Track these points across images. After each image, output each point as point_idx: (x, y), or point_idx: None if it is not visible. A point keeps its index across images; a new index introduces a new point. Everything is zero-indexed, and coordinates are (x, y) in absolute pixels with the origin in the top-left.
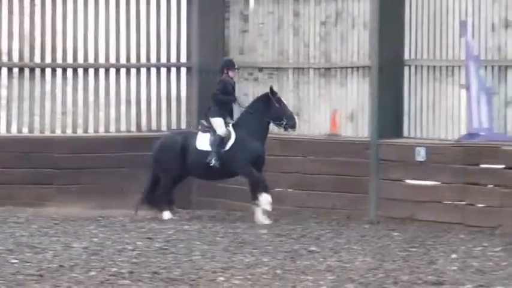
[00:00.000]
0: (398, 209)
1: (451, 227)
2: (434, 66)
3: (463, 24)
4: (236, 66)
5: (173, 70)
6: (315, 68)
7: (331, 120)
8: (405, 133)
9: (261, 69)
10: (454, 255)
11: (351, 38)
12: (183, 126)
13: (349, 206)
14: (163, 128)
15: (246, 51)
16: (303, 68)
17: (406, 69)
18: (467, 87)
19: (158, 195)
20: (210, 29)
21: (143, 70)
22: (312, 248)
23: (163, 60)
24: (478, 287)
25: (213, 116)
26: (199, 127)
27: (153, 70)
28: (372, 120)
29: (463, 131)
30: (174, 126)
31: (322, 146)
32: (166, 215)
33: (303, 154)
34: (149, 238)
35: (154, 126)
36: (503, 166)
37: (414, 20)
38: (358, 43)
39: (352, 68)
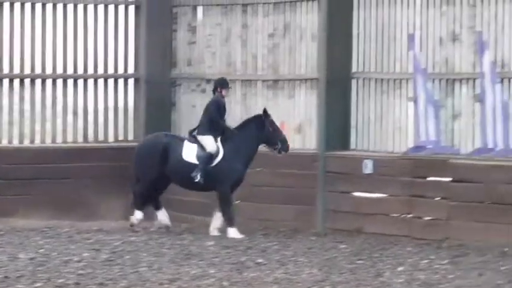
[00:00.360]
0: (346, 221)
1: (398, 240)
2: (382, 79)
3: (410, 38)
4: (230, 86)
5: (120, 81)
6: (262, 80)
7: None
8: (352, 145)
9: (208, 81)
10: (400, 268)
11: (299, 50)
12: (130, 137)
13: (296, 218)
14: (111, 139)
15: (194, 63)
16: (251, 80)
17: (353, 82)
18: (415, 100)
19: (134, 196)
20: (157, 40)
21: (90, 81)
22: (259, 260)
23: (111, 71)
24: None
25: (203, 134)
26: (188, 136)
27: (101, 81)
28: (320, 133)
29: (411, 144)
30: (121, 137)
31: (270, 158)
32: (138, 214)
33: (251, 166)
34: (95, 249)
35: (101, 137)
36: (450, 179)
37: (362, 33)
38: (306, 55)
39: (300, 80)
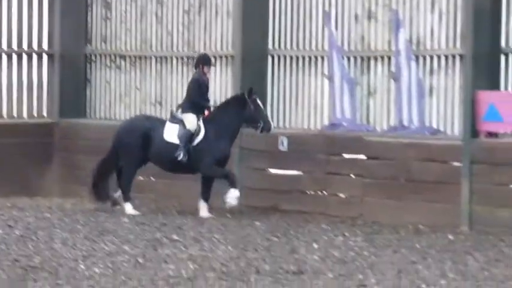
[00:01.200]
0: (261, 198)
1: (313, 217)
2: (297, 56)
3: (326, 15)
4: (212, 63)
5: (35, 57)
6: (178, 57)
7: None
8: None
9: (123, 57)
10: (315, 245)
11: (215, 26)
12: (44, 114)
13: (212, 195)
14: (25, 115)
15: (109, 39)
16: (166, 57)
17: (269, 59)
18: (330, 78)
19: (120, 184)
20: (72, 16)
21: (4, 57)
22: (174, 237)
23: (25, 47)
24: (338, 276)
25: (186, 112)
26: (169, 117)
27: (14, 57)
28: None
29: (326, 121)
30: (35, 113)
31: None
32: (128, 207)
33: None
34: (9, 226)
35: (15, 113)
36: (365, 157)
37: (278, 10)
38: (222, 32)
39: (215, 57)
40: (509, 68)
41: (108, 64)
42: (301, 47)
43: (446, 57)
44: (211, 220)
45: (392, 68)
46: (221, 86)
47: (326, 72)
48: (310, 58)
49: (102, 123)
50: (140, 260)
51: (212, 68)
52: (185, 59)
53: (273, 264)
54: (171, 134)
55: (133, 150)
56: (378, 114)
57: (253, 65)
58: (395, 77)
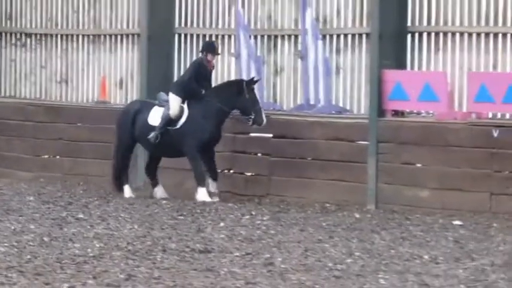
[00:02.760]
0: (168, 176)
1: (220, 195)
2: (204, 35)
3: None
4: (218, 52)
5: None
6: (83, 35)
7: (100, 87)
8: None
9: (29, 35)
10: (222, 224)
11: (121, 4)
12: None
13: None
14: None
15: (14, 17)
16: (72, 35)
17: (176, 38)
18: (237, 56)
19: (112, 170)
20: None
21: None
22: (80, 216)
23: None
24: (245, 255)
25: (173, 92)
26: (157, 100)
27: None
28: (141, 88)
29: None
30: None
31: (91, 112)
32: (127, 191)
33: (72, 121)
34: None
35: None
36: (271, 135)
37: None
38: (128, 10)
39: (121, 35)
40: (415, 47)
41: (13, 42)
42: (207, 25)
43: (353, 36)
44: (117, 199)
45: (299, 47)
46: (127, 65)
47: (233, 50)
48: (217, 36)
49: (7, 102)
50: (46, 239)
51: (216, 56)
52: (91, 37)
53: (180, 243)
54: (154, 116)
55: (124, 133)
56: (285, 93)
57: (160, 44)
58: (302, 56)
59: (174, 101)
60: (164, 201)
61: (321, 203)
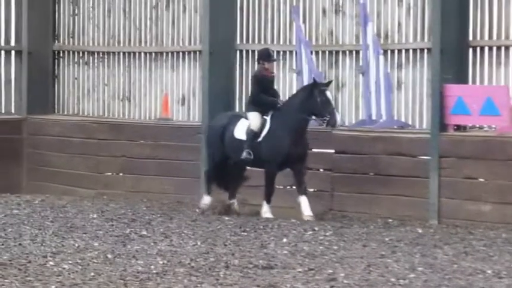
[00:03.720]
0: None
1: (284, 211)
2: None
3: (294, 9)
4: (273, 58)
5: (2, 53)
6: (146, 52)
7: (162, 104)
8: None
9: (91, 53)
10: (285, 239)
11: (183, 21)
12: (12, 110)
13: (180, 191)
14: None
15: (77, 35)
16: (134, 52)
17: (237, 54)
18: (299, 72)
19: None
20: (39, 12)
21: None
22: (143, 233)
23: None
24: (308, 270)
25: (248, 110)
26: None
27: None
28: (203, 105)
29: None
30: (3, 109)
31: (153, 130)
32: (206, 199)
33: (134, 138)
34: None
35: None
36: (333, 150)
37: (245, 5)
38: (190, 27)
39: (183, 52)
40: (476, 62)
41: (76, 60)
42: (269, 41)
43: (414, 50)
44: (180, 216)
45: (361, 62)
46: (189, 82)
47: (294, 66)
48: (278, 52)
49: (70, 120)
50: (109, 256)
51: (274, 63)
52: (153, 54)
53: (243, 259)
54: (240, 130)
55: (213, 147)
56: (347, 108)
57: (221, 60)
58: (364, 71)
59: (252, 115)
60: (226, 217)
61: (384, 218)
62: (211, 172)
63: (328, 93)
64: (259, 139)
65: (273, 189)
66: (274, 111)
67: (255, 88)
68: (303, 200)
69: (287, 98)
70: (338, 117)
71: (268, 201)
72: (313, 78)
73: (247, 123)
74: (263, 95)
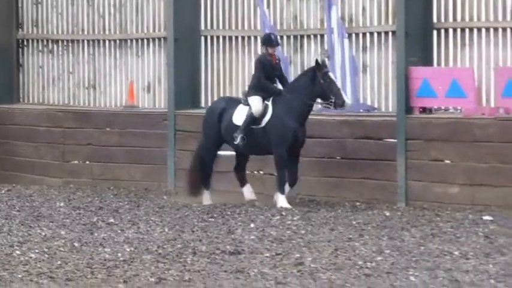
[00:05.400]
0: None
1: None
2: (230, 37)
3: None
4: (276, 42)
5: None
6: (110, 40)
7: (128, 91)
8: (202, 104)
9: (56, 41)
10: (252, 225)
11: (147, 8)
12: None
13: (147, 178)
14: None
15: (41, 24)
16: (99, 40)
17: (202, 40)
18: None
19: (191, 172)
20: (3, 1)
21: None
22: (110, 220)
23: None
24: (275, 255)
25: (251, 95)
26: (243, 98)
27: None
28: (169, 92)
29: None
30: None
31: (120, 117)
32: (206, 197)
33: (100, 126)
34: None
35: None
36: None
37: None
38: (154, 14)
39: (148, 39)
40: (441, 44)
41: (40, 49)
42: (233, 27)
43: (379, 34)
44: (147, 203)
45: (326, 46)
46: (154, 68)
47: (259, 52)
48: (243, 38)
49: (35, 109)
50: (76, 244)
51: (276, 47)
52: (117, 42)
53: (210, 245)
54: (239, 115)
55: (211, 132)
56: None
57: (186, 46)
58: (329, 55)
59: (254, 100)
60: (194, 204)
61: (351, 202)
62: (209, 164)
63: (331, 74)
64: (262, 124)
65: (285, 177)
66: (276, 97)
67: (256, 73)
68: (288, 191)
69: (291, 81)
70: (345, 98)
71: (282, 191)
72: (316, 60)
73: (245, 109)
74: (266, 80)
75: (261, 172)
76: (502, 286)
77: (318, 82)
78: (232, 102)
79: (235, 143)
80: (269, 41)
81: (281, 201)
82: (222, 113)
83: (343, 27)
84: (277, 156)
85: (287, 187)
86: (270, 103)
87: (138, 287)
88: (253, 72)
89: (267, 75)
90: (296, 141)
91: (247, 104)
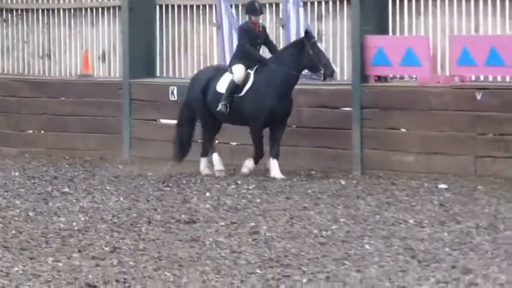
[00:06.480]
0: (153, 148)
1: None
2: (185, 5)
3: None
4: (260, 11)
5: None
6: (64, 9)
7: (83, 60)
8: (158, 73)
9: (10, 10)
10: (207, 194)
11: None
12: None
13: (102, 147)
14: None
15: None
16: (53, 9)
17: (157, 9)
18: (219, 26)
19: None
20: None
21: None
22: (65, 190)
23: None
24: (230, 224)
25: (234, 63)
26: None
27: None
28: (124, 61)
29: None
30: None
31: (74, 86)
32: (203, 164)
33: (55, 95)
34: None
35: None
36: None
37: None
38: None
39: (102, 8)
40: (396, 12)
41: None
42: None
43: (334, 2)
44: (102, 172)
45: (281, 15)
46: (109, 38)
47: (214, 20)
48: (198, 7)
49: None
50: (31, 214)
51: (260, 16)
52: (72, 11)
53: (165, 214)
54: (223, 84)
55: (198, 102)
56: None
57: (141, 15)
58: (284, 24)
59: (237, 68)
60: (150, 173)
61: (307, 171)
62: (205, 131)
63: (319, 44)
64: (241, 93)
65: (262, 151)
66: (260, 66)
67: (240, 38)
68: (273, 164)
69: (277, 51)
70: (334, 67)
71: (256, 162)
72: (306, 30)
73: (230, 77)
74: (250, 46)
75: (216, 141)
76: (456, 254)
77: (306, 53)
78: (217, 71)
79: (218, 109)
80: (253, 9)
81: (246, 165)
82: (207, 83)
83: None
84: (252, 129)
85: (271, 160)
86: (252, 72)
87: (92, 256)
88: (238, 38)
89: (250, 43)
90: (274, 115)
91: (232, 72)
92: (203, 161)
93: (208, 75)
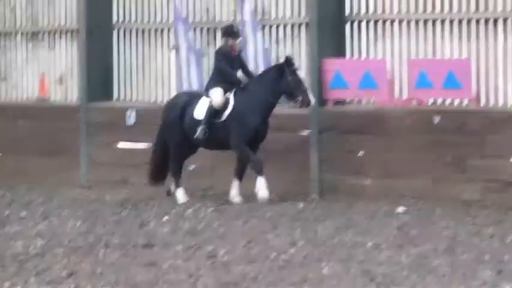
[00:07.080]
0: (110, 172)
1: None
2: (143, 29)
3: None
4: (238, 34)
5: None
6: (22, 33)
7: (39, 84)
8: (115, 96)
9: None
10: (166, 217)
11: (59, 1)
12: None
13: (59, 171)
14: None
15: None
16: (10, 32)
17: (115, 32)
18: (177, 49)
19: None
20: None
21: None
22: (22, 214)
23: None
24: (188, 248)
25: (212, 87)
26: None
27: None
28: (82, 84)
29: (173, 93)
30: None
31: (32, 110)
32: (180, 193)
33: (12, 119)
34: None
35: None
36: None
37: None
38: (66, 6)
39: (60, 31)
40: (354, 36)
41: None
42: (146, 19)
43: (292, 26)
44: (59, 196)
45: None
46: (67, 61)
47: (172, 43)
48: (156, 30)
49: None
50: None
51: (238, 39)
52: (29, 35)
53: (123, 238)
54: (200, 110)
55: (174, 128)
56: None
57: (99, 39)
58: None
59: (215, 92)
60: (107, 197)
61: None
62: (177, 160)
63: (299, 72)
64: (222, 119)
65: (257, 159)
66: (238, 90)
67: (219, 62)
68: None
69: (257, 75)
70: (311, 97)
71: (262, 173)
72: (286, 57)
73: (207, 102)
74: (229, 68)
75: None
76: (415, 277)
77: (285, 79)
78: (193, 97)
79: (195, 136)
80: (231, 32)
81: (260, 184)
82: (183, 110)
83: (256, 20)
84: (239, 152)
85: (235, 181)
86: (231, 96)
87: (49, 280)
88: (215, 61)
89: (230, 66)
90: (256, 137)
91: (209, 97)
92: (180, 191)
93: (184, 100)
